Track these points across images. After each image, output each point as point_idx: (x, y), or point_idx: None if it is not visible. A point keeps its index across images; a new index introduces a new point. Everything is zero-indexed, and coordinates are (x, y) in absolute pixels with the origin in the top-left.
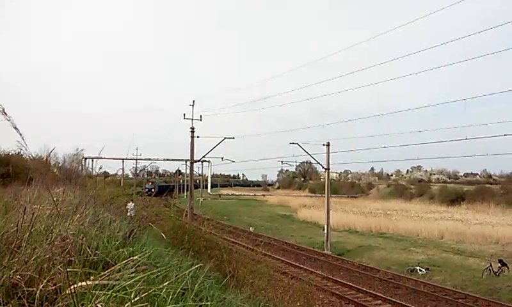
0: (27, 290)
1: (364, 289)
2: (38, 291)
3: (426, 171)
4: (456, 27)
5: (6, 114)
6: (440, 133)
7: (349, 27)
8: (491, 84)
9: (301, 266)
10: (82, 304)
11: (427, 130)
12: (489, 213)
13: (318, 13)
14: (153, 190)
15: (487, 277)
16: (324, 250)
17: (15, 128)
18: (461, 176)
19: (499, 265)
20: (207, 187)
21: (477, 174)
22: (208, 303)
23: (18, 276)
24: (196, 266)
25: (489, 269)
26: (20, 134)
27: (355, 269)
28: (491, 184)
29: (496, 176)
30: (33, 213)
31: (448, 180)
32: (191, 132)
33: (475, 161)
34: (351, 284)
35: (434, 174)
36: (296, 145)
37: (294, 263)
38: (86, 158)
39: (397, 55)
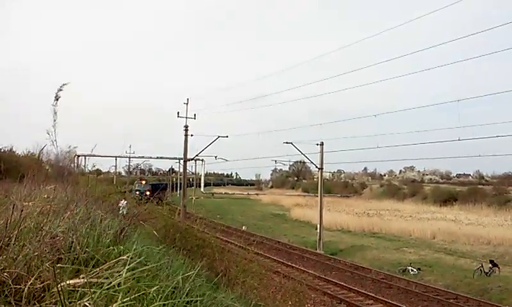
0: (15, 288)
1: (356, 288)
2: (25, 289)
3: (419, 171)
4: (450, 28)
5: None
6: (432, 134)
7: (346, 27)
8: (484, 85)
9: (294, 265)
10: (70, 302)
11: (420, 131)
12: (481, 214)
13: (314, 12)
14: (147, 192)
15: (478, 278)
16: (316, 249)
17: (55, 113)
18: (454, 177)
19: (490, 265)
20: (200, 186)
21: (470, 175)
22: (198, 302)
23: (5, 274)
24: (187, 265)
25: (481, 270)
26: (55, 120)
27: (347, 269)
28: (484, 185)
29: (489, 177)
30: (22, 210)
31: (441, 181)
32: (185, 130)
33: (467, 162)
34: (343, 283)
35: (426, 174)
36: (290, 144)
37: (286, 262)
38: (78, 156)
39: (391, 56)
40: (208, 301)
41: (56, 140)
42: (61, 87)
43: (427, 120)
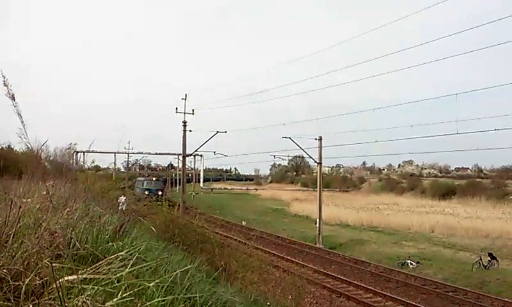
0: (14, 284)
1: (355, 282)
2: (24, 286)
3: (418, 165)
4: (448, 22)
5: (14, 99)
6: (431, 127)
7: (344, 22)
8: (482, 78)
9: (293, 259)
10: (69, 298)
11: (418, 125)
12: (480, 208)
13: (313, 9)
14: (160, 192)
15: (477, 271)
16: (316, 244)
17: (19, 115)
18: (452, 171)
19: (489, 258)
20: (199, 181)
21: (468, 168)
22: (198, 297)
23: (4, 270)
24: (186, 260)
25: (479, 263)
26: (22, 122)
27: (347, 263)
28: (482, 178)
29: (487, 171)
30: (20, 207)
31: (440, 174)
32: (183, 125)
33: (466, 156)
34: (342, 277)
35: (425, 168)
36: (289, 139)
37: (285, 256)
38: (77, 152)
39: (389, 51)
40: (207, 296)
41: (29, 142)
42: (4, 81)
43: (425, 114)
